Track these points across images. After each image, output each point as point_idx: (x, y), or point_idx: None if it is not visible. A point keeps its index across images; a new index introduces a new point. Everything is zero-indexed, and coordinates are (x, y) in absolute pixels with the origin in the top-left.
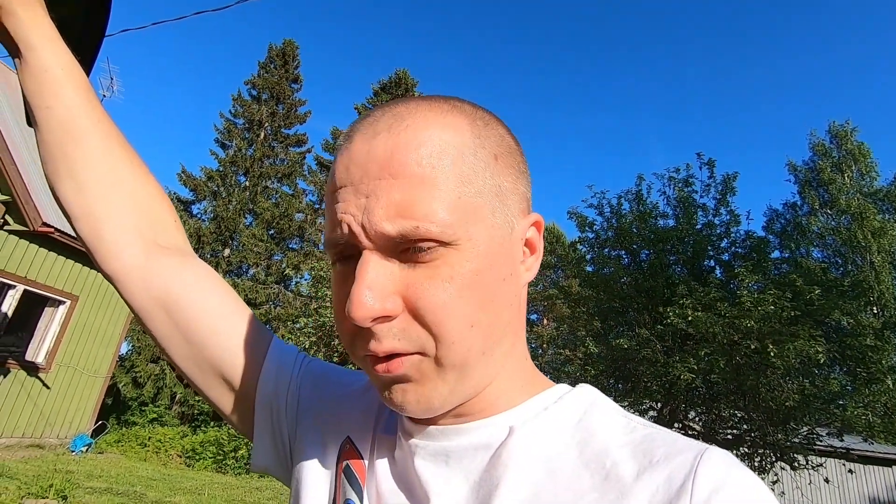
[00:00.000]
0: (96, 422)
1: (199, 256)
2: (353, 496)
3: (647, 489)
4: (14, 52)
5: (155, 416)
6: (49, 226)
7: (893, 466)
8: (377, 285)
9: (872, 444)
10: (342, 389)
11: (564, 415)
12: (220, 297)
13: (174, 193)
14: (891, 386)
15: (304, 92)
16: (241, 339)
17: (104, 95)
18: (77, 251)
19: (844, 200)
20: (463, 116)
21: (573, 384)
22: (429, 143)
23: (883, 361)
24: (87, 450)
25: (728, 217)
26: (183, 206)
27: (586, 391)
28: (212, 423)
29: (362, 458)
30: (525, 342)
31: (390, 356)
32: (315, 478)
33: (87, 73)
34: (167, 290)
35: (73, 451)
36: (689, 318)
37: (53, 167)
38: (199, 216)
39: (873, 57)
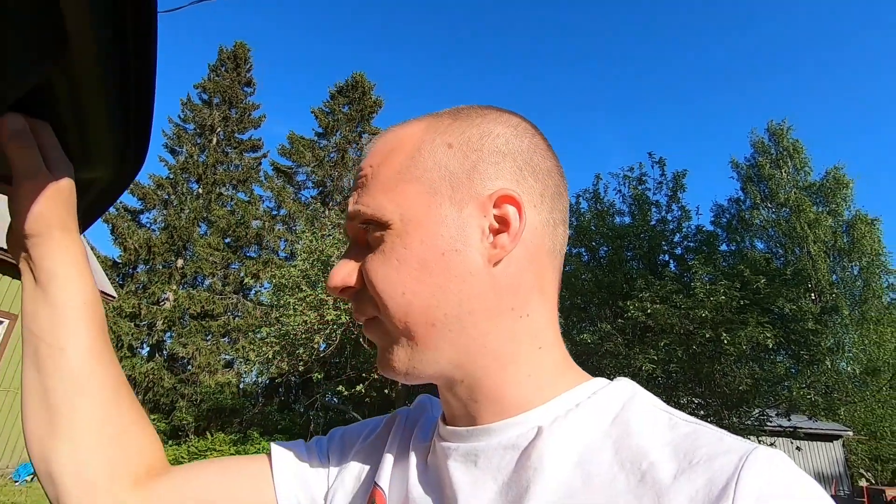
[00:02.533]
0: None
1: (150, 268)
2: None
3: (684, 493)
4: (25, 267)
5: None
6: None
7: (835, 441)
8: (342, 265)
9: (816, 421)
10: (363, 442)
11: (598, 411)
12: (216, 470)
13: (121, 203)
14: (829, 366)
15: (257, 96)
16: (253, 483)
17: None
18: (11, 266)
19: (783, 194)
20: (429, 117)
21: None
22: (384, 147)
23: (822, 343)
24: (31, 479)
25: (679, 213)
26: (131, 216)
27: (624, 385)
28: (170, 442)
29: (384, 492)
30: (548, 332)
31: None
32: None
33: (84, 229)
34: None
35: (16, 481)
36: (649, 311)
37: (49, 420)
38: (148, 226)
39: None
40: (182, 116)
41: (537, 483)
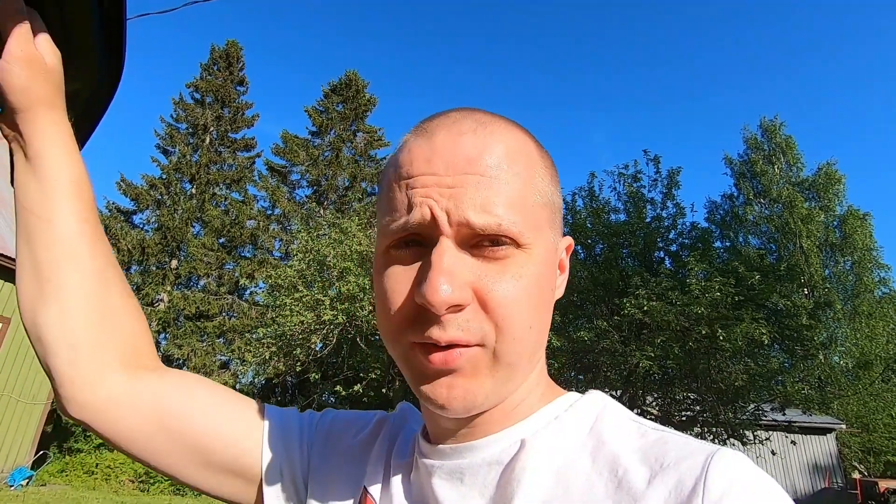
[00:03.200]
0: (37, 452)
1: (144, 269)
2: None
3: (658, 494)
4: (16, 146)
5: (101, 441)
6: None
7: (828, 434)
8: (455, 273)
9: (811, 415)
10: (352, 440)
11: (576, 423)
12: (206, 392)
13: (113, 203)
14: (822, 360)
15: (250, 95)
16: (236, 425)
17: None
18: (4, 269)
19: (776, 190)
20: (529, 135)
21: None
22: (511, 152)
23: (815, 338)
24: (27, 483)
25: (674, 210)
26: (123, 217)
27: (597, 398)
28: None
29: (375, 499)
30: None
31: (448, 347)
32: None
33: (82, 145)
34: (158, 404)
35: (11, 486)
36: (645, 308)
37: (39, 288)
38: (141, 226)
39: (799, 51)
40: (174, 116)
41: (521, 495)
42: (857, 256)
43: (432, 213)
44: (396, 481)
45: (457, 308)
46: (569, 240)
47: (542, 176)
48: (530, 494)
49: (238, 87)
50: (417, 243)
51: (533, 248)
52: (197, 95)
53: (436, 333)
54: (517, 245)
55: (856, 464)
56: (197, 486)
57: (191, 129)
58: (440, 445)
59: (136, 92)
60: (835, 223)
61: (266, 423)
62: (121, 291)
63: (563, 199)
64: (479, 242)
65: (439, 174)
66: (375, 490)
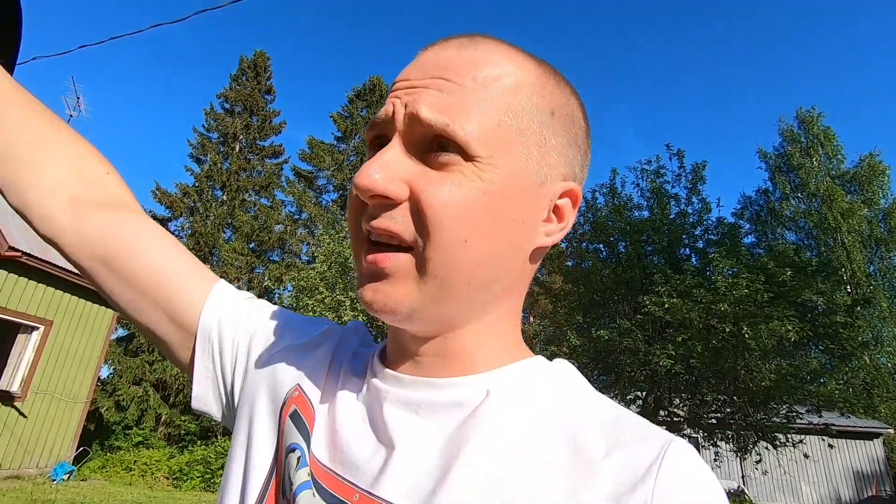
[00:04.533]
0: (78, 448)
1: None
2: (300, 440)
3: (613, 468)
4: None
5: (140, 438)
6: (16, 250)
7: (875, 440)
8: (389, 166)
9: (850, 418)
10: (295, 339)
11: (542, 385)
12: (160, 244)
13: (150, 211)
14: (867, 361)
15: (277, 103)
16: (184, 278)
17: (71, 115)
18: (48, 275)
19: (814, 184)
20: (535, 64)
21: (550, 358)
22: (491, 66)
23: (859, 338)
24: (68, 478)
25: (700, 205)
26: (160, 224)
27: (564, 366)
28: (199, 442)
29: (311, 405)
30: (520, 311)
31: (379, 245)
32: (259, 424)
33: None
34: (104, 245)
35: (54, 480)
36: (666, 306)
37: None
38: (176, 233)
39: (837, 45)
40: (206, 126)
41: (480, 441)
42: None
43: (393, 109)
44: (343, 395)
45: (384, 199)
46: (570, 185)
47: (524, 101)
48: (492, 442)
49: (266, 96)
50: (382, 145)
51: (486, 165)
52: (227, 105)
53: (373, 222)
54: (466, 156)
55: None
56: (135, 319)
57: (221, 138)
58: (398, 373)
59: (170, 103)
60: (880, 217)
61: (216, 289)
62: (53, 129)
63: (584, 198)
64: (430, 149)
65: (411, 79)
66: (312, 391)
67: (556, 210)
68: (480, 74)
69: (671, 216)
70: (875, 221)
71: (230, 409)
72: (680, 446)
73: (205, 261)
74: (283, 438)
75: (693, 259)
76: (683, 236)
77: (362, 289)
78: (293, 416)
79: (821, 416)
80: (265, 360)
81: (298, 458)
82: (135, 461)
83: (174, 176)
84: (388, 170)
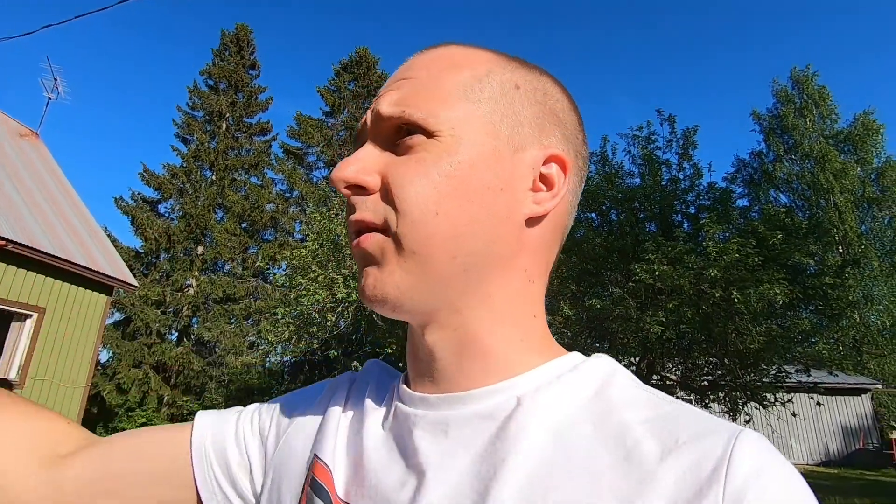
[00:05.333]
0: None
1: (171, 256)
2: (321, 499)
3: (673, 473)
4: None
5: (144, 420)
6: (2, 238)
7: (863, 395)
8: (360, 160)
9: (838, 376)
10: (300, 416)
11: (580, 385)
12: (125, 450)
13: (139, 193)
14: (857, 320)
15: (263, 78)
16: (162, 459)
17: (49, 98)
18: (38, 262)
19: (808, 144)
20: (491, 52)
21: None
22: (447, 59)
23: (848, 297)
24: None
25: (691, 170)
26: (149, 206)
27: (604, 361)
28: None
29: (328, 467)
30: (542, 304)
31: (361, 233)
32: None
33: None
34: (85, 484)
35: None
36: (657, 273)
37: None
38: (167, 215)
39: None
40: (190, 104)
41: (515, 456)
42: None
43: (365, 118)
44: (369, 432)
45: (359, 189)
46: (553, 151)
47: (497, 82)
48: (526, 456)
49: (250, 72)
50: None
51: (448, 138)
52: (210, 82)
53: (352, 216)
54: (428, 134)
55: (893, 423)
56: None
57: (207, 117)
58: (425, 394)
59: (152, 82)
60: (872, 176)
61: (194, 433)
62: (9, 405)
63: None
64: (398, 141)
65: (381, 91)
66: (328, 453)
67: (544, 179)
68: (436, 67)
69: (663, 182)
70: (868, 181)
71: None
72: (749, 439)
73: (197, 242)
74: None
75: (685, 225)
76: (675, 202)
77: (359, 283)
78: (313, 486)
79: (809, 375)
80: (282, 451)
81: None
82: None
83: (161, 156)
84: (360, 163)
